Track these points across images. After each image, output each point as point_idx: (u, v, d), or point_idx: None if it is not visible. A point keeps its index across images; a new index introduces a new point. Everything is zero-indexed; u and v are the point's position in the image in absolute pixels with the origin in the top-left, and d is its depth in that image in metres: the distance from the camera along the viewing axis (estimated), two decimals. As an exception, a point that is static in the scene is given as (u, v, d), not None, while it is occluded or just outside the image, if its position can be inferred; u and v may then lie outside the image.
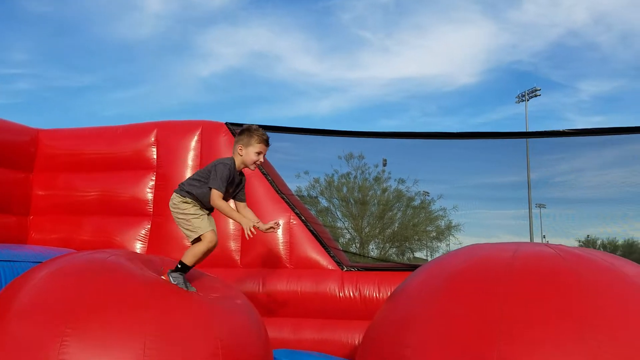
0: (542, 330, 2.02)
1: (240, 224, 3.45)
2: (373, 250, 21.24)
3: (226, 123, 5.91)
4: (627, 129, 5.47)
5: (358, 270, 5.44)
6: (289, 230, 5.58)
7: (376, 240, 21.07)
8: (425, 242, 21.94)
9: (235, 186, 3.63)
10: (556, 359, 1.94)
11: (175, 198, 3.53)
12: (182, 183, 3.61)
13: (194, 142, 5.93)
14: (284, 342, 5.19)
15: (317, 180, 19.04)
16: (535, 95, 40.56)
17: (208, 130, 5.93)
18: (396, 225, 20.72)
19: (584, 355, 1.93)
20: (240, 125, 5.82)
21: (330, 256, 5.52)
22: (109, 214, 6.16)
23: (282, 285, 5.35)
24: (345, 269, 5.46)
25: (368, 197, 20.76)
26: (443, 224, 20.74)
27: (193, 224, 3.43)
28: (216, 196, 3.40)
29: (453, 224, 20.48)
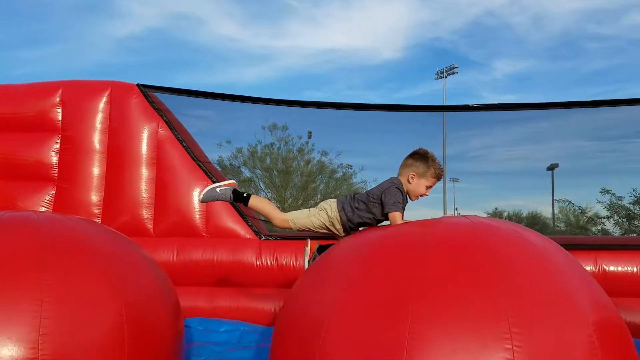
0: (453, 291, 2.11)
1: None
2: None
3: (138, 85, 5.60)
4: (532, 105, 5.76)
5: (276, 239, 5.41)
6: (205, 199, 5.42)
7: (299, 211, 21.26)
8: (346, 214, 22.39)
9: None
10: (465, 316, 2.03)
11: (331, 210, 3.33)
12: (346, 203, 3.30)
13: (102, 104, 5.57)
14: (199, 311, 5.10)
15: (239, 150, 18.79)
16: (453, 73, 42.02)
17: (118, 92, 5.59)
18: (319, 196, 20.98)
19: (491, 313, 2.03)
20: (154, 87, 5.55)
21: (248, 225, 5.45)
22: (10, 178, 5.70)
23: (198, 254, 5.23)
24: (263, 237, 5.41)
25: (291, 168, 20.79)
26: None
27: (312, 219, 3.35)
28: (398, 218, 3.03)
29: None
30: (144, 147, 5.49)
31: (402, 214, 3.08)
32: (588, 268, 4.84)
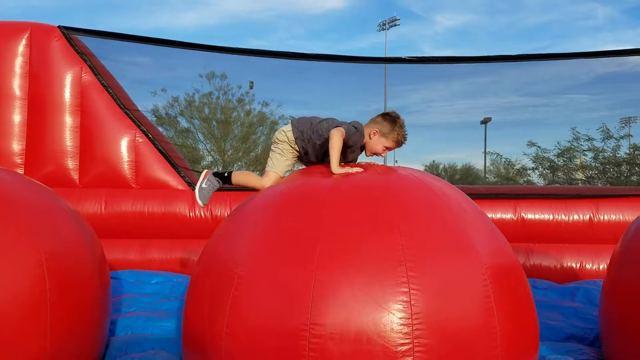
0: (357, 231, 2.24)
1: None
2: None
3: (59, 27, 5.23)
4: (470, 58, 5.85)
5: (209, 190, 5.35)
6: (134, 149, 5.25)
7: (239, 163, 21.02)
8: (287, 166, 22.42)
9: (348, 154, 3.16)
10: (365, 263, 2.14)
11: (283, 134, 3.16)
12: (299, 126, 3.13)
13: (21, 47, 5.18)
14: (130, 263, 5.03)
15: (176, 99, 18.17)
16: (395, 25, 42.02)
17: (38, 34, 5.21)
18: (260, 148, 20.81)
19: (390, 259, 2.14)
20: (77, 30, 5.22)
21: (181, 176, 5.34)
22: None
23: (127, 206, 5.11)
24: (196, 189, 5.33)
25: (231, 119, 20.39)
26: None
27: (272, 160, 3.20)
28: (338, 136, 2.85)
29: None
30: (67, 94, 5.19)
31: (342, 156, 2.95)
32: (508, 216, 5.13)
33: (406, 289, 2.08)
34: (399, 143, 3.08)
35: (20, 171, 5.19)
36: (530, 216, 5.12)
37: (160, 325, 3.64)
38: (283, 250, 2.27)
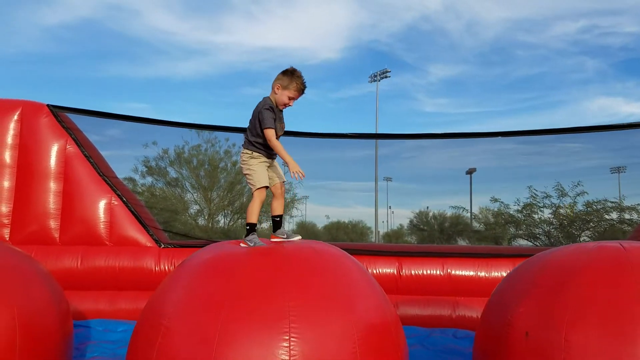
0: (255, 299, 2.86)
1: (288, 166, 3.52)
2: (222, 220, 21.85)
3: (48, 105, 6.06)
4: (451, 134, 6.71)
5: (174, 247, 6.04)
6: (110, 211, 5.98)
7: (225, 211, 21.73)
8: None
9: (280, 121, 3.67)
10: (260, 317, 2.78)
11: (245, 154, 3.64)
12: (247, 138, 3.64)
13: (13, 122, 6.00)
14: (100, 313, 5.66)
15: (166, 152, 19.08)
16: (386, 77, 43.69)
17: (28, 111, 6.03)
18: (244, 197, 21.57)
19: (278, 314, 2.79)
20: (64, 108, 6.04)
21: (149, 234, 6.04)
22: None
23: (101, 261, 5.78)
24: (163, 245, 6.03)
25: (218, 170, 21.25)
26: (288, 196, 22.09)
27: (253, 178, 3.59)
28: (271, 135, 3.48)
29: (297, 197, 21.93)
30: (52, 163, 5.97)
31: (275, 127, 3.52)
32: (437, 272, 5.80)
33: (287, 337, 2.75)
34: (299, 91, 3.60)
35: (7, 230, 5.89)
36: (456, 272, 5.79)
37: (118, 369, 4.25)
38: (199, 307, 2.89)
